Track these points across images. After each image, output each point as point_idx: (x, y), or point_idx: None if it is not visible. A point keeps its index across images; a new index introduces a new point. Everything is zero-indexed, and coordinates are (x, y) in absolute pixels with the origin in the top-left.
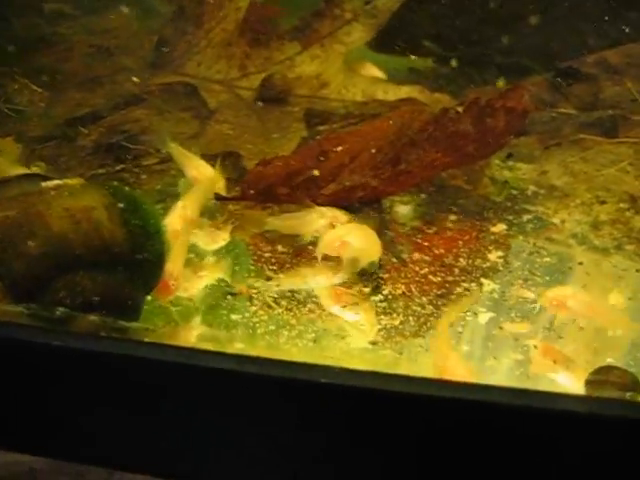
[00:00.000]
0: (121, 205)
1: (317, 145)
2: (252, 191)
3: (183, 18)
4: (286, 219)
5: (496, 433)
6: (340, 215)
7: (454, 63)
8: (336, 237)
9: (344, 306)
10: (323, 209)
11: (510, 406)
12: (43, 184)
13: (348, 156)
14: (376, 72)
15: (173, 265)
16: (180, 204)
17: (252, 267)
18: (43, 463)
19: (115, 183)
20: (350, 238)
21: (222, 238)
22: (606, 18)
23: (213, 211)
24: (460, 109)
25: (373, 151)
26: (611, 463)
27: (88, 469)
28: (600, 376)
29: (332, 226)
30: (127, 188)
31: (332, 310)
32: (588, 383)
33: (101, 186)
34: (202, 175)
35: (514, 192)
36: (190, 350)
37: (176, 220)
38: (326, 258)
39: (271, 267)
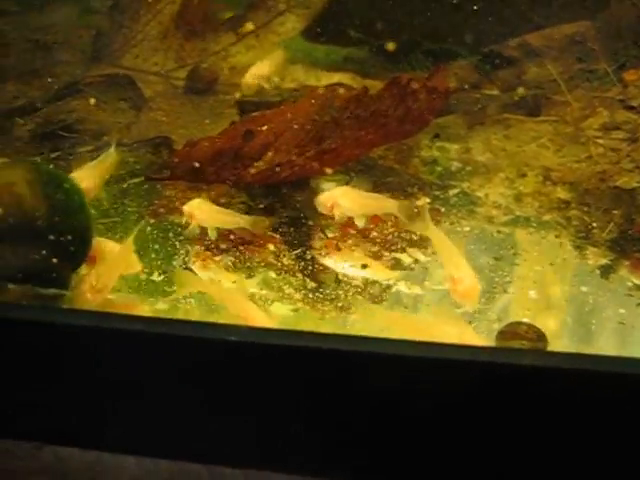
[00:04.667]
0: (43, 180)
1: (242, 125)
2: (180, 171)
3: (120, 12)
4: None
5: (404, 383)
6: None
7: (385, 50)
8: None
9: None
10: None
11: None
12: None
13: (273, 135)
14: None
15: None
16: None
17: None
18: None
19: (38, 160)
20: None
21: None
22: (527, 4)
23: None
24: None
25: (296, 129)
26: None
27: (16, 444)
28: (510, 329)
29: None
30: (50, 165)
31: None
32: (500, 335)
33: (24, 163)
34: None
35: (440, 169)
36: (107, 315)
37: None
38: None
39: None
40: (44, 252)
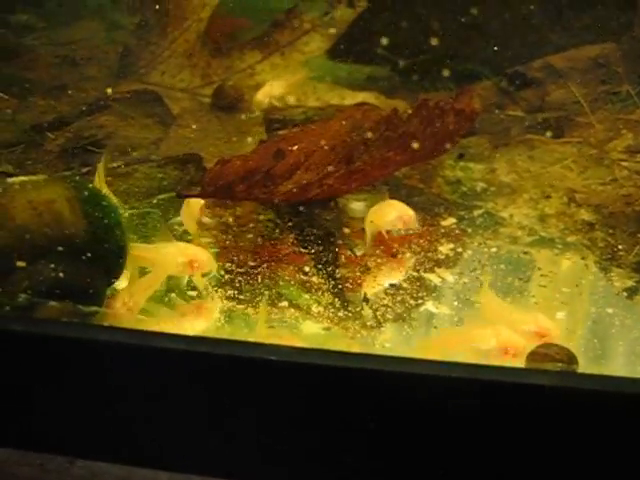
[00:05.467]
0: (82, 198)
1: (274, 144)
2: (211, 189)
3: (147, 29)
4: (148, 250)
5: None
6: (200, 253)
7: (408, 71)
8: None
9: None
10: (183, 245)
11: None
12: (9, 180)
13: (303, 155)
14: None
15: (129, 295)
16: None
17: None
18: (3, 453)
19: (77, 178)
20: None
21: None
22: (550, 26)
23: None
24: (410, 110)
25: (327, 150)
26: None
27: (49, 458)
28: (541, 350)
29: (191, 266)
30: (90, 184)
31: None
32: (530, 356)
33: (63, 180)
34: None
35: (465, 189)
36: (145, 333)
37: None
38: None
39: None
40: (82, 269)
